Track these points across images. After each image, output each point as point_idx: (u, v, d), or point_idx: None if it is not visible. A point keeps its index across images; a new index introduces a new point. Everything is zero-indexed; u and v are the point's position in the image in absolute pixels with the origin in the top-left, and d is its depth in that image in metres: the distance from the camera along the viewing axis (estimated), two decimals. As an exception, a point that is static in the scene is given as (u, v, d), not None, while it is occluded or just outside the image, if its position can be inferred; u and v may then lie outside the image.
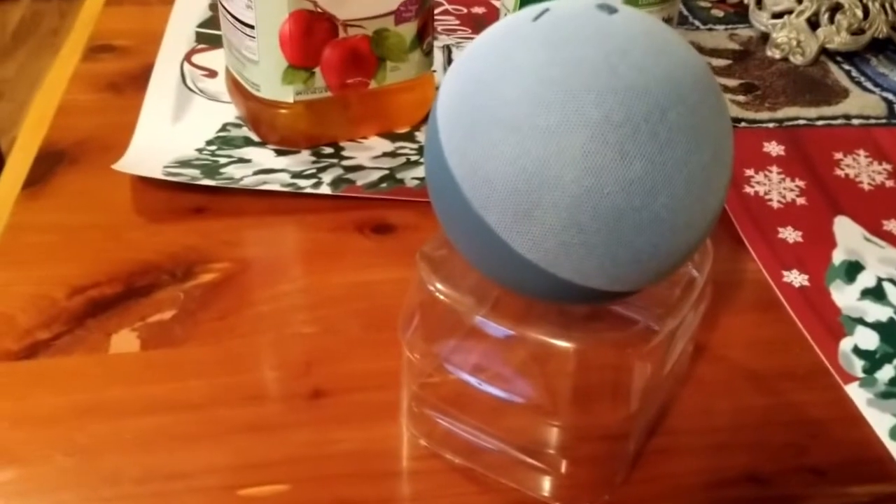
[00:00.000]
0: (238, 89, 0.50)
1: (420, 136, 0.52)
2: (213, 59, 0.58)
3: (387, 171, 0.49)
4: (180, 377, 0.36)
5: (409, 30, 0.49)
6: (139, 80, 0.55)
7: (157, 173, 0.46)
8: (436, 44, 0.59)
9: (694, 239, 0.27)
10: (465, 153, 0.26)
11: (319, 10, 0.46)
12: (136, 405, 0.35)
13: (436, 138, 0.28)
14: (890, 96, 0.58)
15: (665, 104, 0.25)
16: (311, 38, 0.47)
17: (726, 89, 0.58)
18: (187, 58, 0.58)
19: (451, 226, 0.28)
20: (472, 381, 0.31)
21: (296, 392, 0.36)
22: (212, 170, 0.47)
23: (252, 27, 0.46)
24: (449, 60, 0.60)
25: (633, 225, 0.25)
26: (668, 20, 0.47)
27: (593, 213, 0.25)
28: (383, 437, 0.34)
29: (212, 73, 0.57)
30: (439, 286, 0.31)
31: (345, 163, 0.49)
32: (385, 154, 0.50)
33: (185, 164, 0.48)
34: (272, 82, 0.48)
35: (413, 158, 0.50)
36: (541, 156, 0.25)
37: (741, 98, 0.57)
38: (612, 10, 0.27)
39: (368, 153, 0.50)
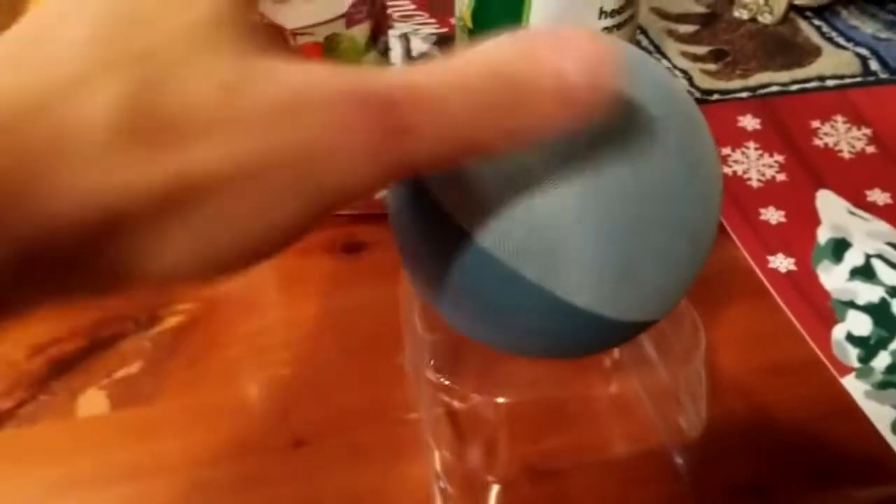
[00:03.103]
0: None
1: (383, 139, 0.50)
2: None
3: (352, 183, 0.47)
4: (154, 438, 0.35)
5: (362, 31, 0.47)
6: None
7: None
8: (392, 33, 0.57)
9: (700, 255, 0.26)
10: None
11: (265, 21, 0.44)
12: (109, 474, 0.33)
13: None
14: (863, 51, 0.56)
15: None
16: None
17: (695, 57, 0.57)
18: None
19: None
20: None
21: (276, 443, 0.34)
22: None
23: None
24: (408, 50, 0.57)
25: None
26: (629, 2, 0.45)
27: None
28: (371, 487, 0.33)
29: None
30: (466, 389, 0.29)
31: (308, 177, 0.47)
32: (349, 163, 0.48)
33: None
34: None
35: (378, 165, 0.48)
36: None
37: (712, 67, 0.56)
38: None
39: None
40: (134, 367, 0.37)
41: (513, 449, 0.32)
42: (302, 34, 0.45)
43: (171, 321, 0.39)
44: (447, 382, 0.29)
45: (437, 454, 0.32)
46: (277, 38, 0.19)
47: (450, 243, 0.24)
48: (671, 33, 0.59)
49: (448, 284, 0.25)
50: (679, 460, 0.32)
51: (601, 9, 0.44)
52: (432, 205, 0.24)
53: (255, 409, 0.36)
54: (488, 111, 0.19)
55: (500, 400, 0.30)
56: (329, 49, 0.46)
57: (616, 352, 0.33)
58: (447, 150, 0.19)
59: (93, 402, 0.36)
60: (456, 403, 0.30)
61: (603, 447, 0.33)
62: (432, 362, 0.30)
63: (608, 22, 0.45)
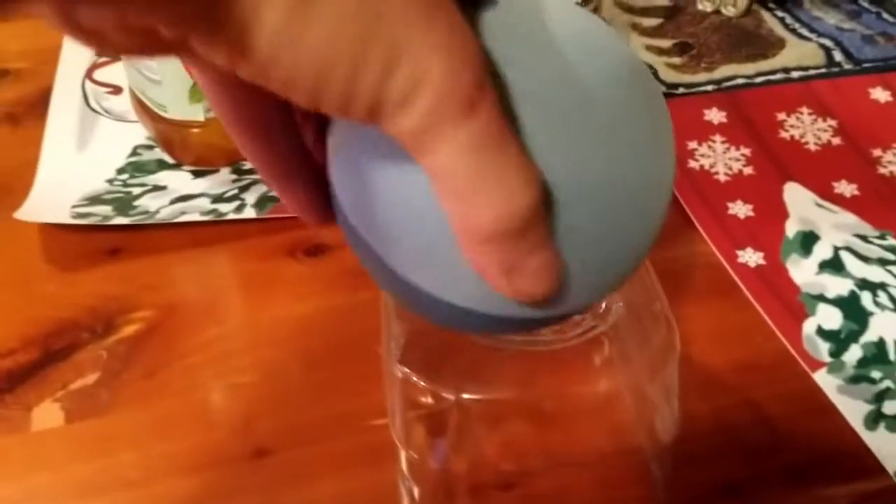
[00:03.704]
0: (144, 110, 0.47)
1: (346, 138, 0.49)
2: (117, 73, 0.54)
3: (314, 183, 0.46)
4: (111, 451, 0.33)
5: (320, 29, 0.46)
6: (38, 106, 0.51)
7: (64, 217, 0.43)
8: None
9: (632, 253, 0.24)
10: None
11: (220, 20, 0.43)
12: (65, 490, 0.32)
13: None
14: (827, 42, 0.56)
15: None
16: (215, 51, 0.43)
17: (660, 51, 0.56)
18: (88, 74, 0.54)
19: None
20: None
21: (238, 454, 0.33)
22: (125, 203, 0.44)
23: (149, 45, 0.43)
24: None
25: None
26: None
27: None
28: (335, 496, 0.32)
29: (116, 90, 0.53)
30: (434, 383, 0.28)
31: (268, 178, 0.46)
32: (310, 163, 0.47)
33: (95, 199, 0.44)
34: (179, 102, 0.44)
35: (341, 165, 0.47)
36: None
37: (677, 60, 0.55)
38: None
39: (293, 164, 0.47)
40: (90, 379, 0.36)
41: (484, 450, 0.31)
42: (259, 32, 0.44)
43: (128, 329, 0.38)
44: (415, 378, 0.28)
45: (403, 455, 0.31)
46: None
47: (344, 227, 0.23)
48: (635, 27, 0.58)
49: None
50: (653, 462, 0.32)
51: (564, 2, 0.44)
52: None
53: (216, 418, 0.35)
54: None
55: (473, 397, 0.28)
56: (288, 47, 0.45)
57: (606, 348, 0.32)
58: None
59: (47, 414, 0.35)
60: (424, 400, 0.29)
61: (578, 448, 0.32)
62: (399, 355, 0.29)
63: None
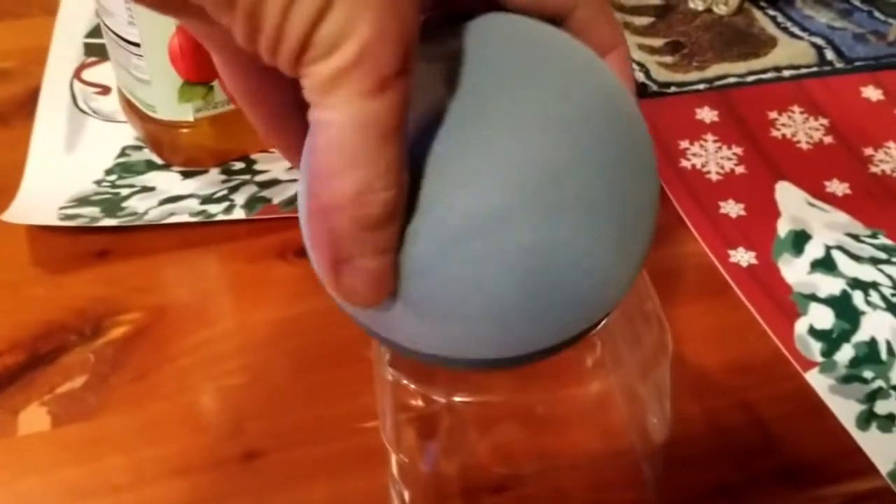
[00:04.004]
0: (133, 110, 0.46)
1: (336, 138, 0.49)
2: (105, 73, 0.53)
3: (304, 184, 0.45)
4: (99, 455, 0.33)
5: (310, 28, 0.46)
6: (26, 106, 0.51)
7: (52, 219, 0.42)
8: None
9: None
10: None
11: (209, 19, 0.42)
12: (52, 495, 0.32)
13: None
14: (818, 41, 0.56)
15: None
16: (204, 50, 0.43)
17: (652, 50, 0.56)
18: (76, 74, 0.54)
19: None
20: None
21: (228, 457, 0.33)
22: (113, 204, 0.44)
23: (138, 45, 0.42)
24: None
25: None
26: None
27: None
28: (327, 499, 0.32)
29: (105, 90, 0.52)
30: (424, 386, 0.28)
31: (258, 178, 0.46)
32: (301, 163, 0.47)
33: (83, 201, 0.44)
34: (168, 102, 0.44)
35: (331, 165, 0.47)
36: None
37: (668, 59, 0.55)
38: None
39: (283, 163, 0.47)
40: (77, 382, 0.36)
41: (475, 453, 0.31)
42: (248, 31, 0.44)
43: (116, 332, 0.38)
44: (406, 381, 0.28)
45: (394, 458, 0.30)
46: None
47: None
48: (627, 25, 0.58)
49: None
50: (645, 463, 0.31)
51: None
52: None
53: (206, 421, 0.34)
54: None
55: (463, 400, 0.28)
56: (277, 46, 0.45)
57: (598, 350, 0.32)
58: None
59: (34, 418, 0.34)
60: (415, 403, 0.29)
61: (570, 450, 0.31)
62: (387, 358, 0.28)
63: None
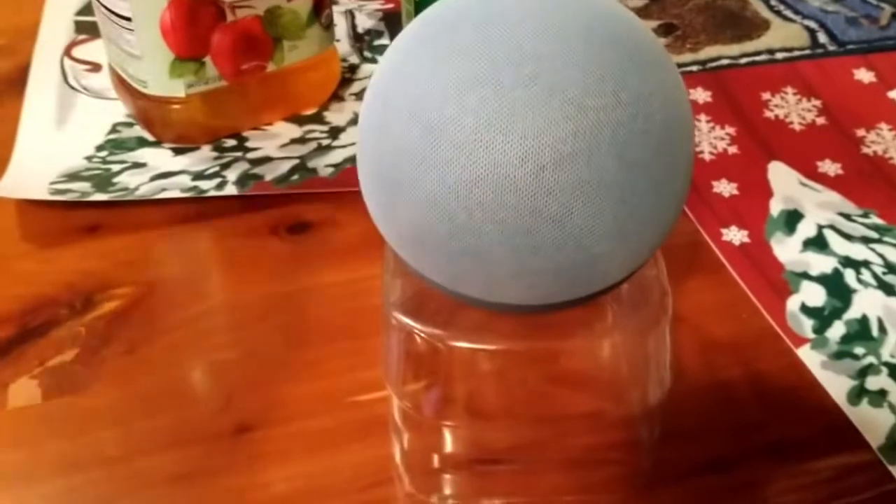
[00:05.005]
0: (124, 86, 0.46)
1: (329, 116, 0.49)
2: (96, 50, 0.53)
3: (297, 161, 0.45)
4: (90, 428, 0.33)
5: (303, 4, 0.45)
6: (16, 83, 0.50)
7: (42, 193, 0.42)
8: (336, 9, 0.55)
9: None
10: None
11: (202, -6, 0.42)
12: (43, 467, 0.32)
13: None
14: (811, 24, 0.56)
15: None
16: (196, 25, 0.43)
17: (645, 32, 0.56)
18: (67, 52, 0.53)
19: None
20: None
21: (219, 430, 0.33)
22: (104, 180, 0.43)
23: (129, 20, 0.42)
24: (353, 27, 0.56)
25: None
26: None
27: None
28: (322, 473, 0.32)
29: (95, 67, 0.52)
30: (430, 330, 0.27)
31: (250, 155, 0.46)
32: (293, 141, 0.47)
33: (73, 176, 0.44)
34: (159, 77, 0.44)
35: (324, 143, 0.47)
36: None
37: (662, 41, 0.55)
38: None
39: (275, 141, 0.47)
40: (68, 356, 0.36)
41: (478, 401, 0.31)
42: (241, 6, 0.44)
43: (108, 306, 0.38)
44: (412, 323, 0.28)
45: (396, 404, 0.30)
46: None
47: None
48: (620, 7, 0.58)
49: None
50: (642, 427, 0.31)
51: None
52: None
53: (197, 395, 0.34)
54: None
55: (469, 346, 0.28)
56: (269, 23, 0.45)
57: (606, 308, 0.32)
58: None
59: (24, 391, 0.34)
60: (420, 349, 0.28)
61: (572, 405, 0.31)
62: (392, 301, 0.28)
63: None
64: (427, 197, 0.23)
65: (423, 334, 0.27)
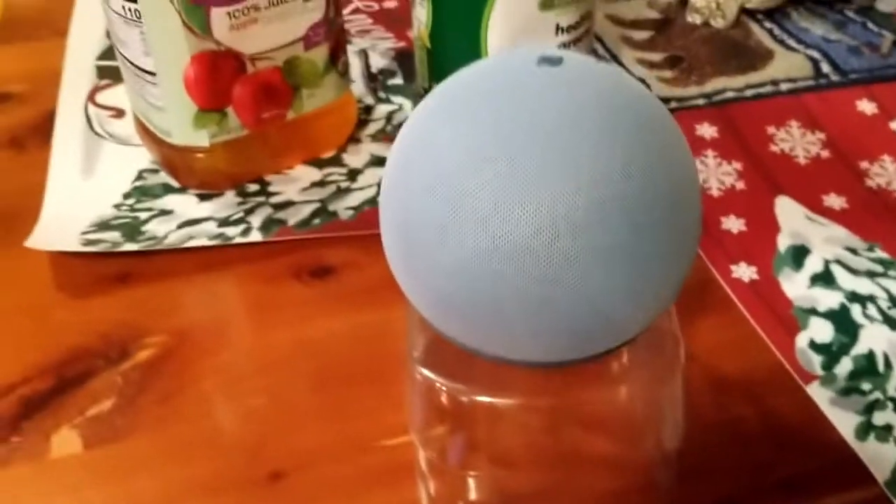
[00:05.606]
0: (148, 134, 0.48)
1: (347, 158, 0.50)
2: (119, 96, 0.54)
3: (318, 204, 0.47)
4: (129, 477, 0.34)
5: (320, 53, 0.47)
6: (42, 130, 0.52)
7: (74, 244, 0.43)
8: (350, 48, 0.57)
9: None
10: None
11: (223, 48, 0.44)
12: (86, 516, 0.33)
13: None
14: (814, 53, 0.57)
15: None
16: (218, 78, 0.44)
17: (651, 65, 0.57)
18: (91, 98, 0.55)
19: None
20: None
21: (253, 477, 0.34)
22: (133, 228, 0.45)
23: (153, 74, 0.44)
24: (367, 66, 0.57)
25: None
26: (585, 17, 0.46)
27: None
28: (350, 516, 0.33)
29: (119, 113, 0.54)
30: (452, 385, 0.29)
31: (273, 199, 0.47)
32: (313, 184, 0.48)
33: (103, 225, 0.45)
34: (183, 128, 0.45)
35: (343, 185, 0.48)
36: None
37: (668, 74, 0.56)
38: (554, 62, 0.25)
39: (296, 185, 0.48)
40: (106, 405, 0.37)
41: (501, 451, 0.32)
42: (261, 59, 0.45)
43: (142, 355, 0.39)
44: (435, 378, 0.29)
45: (422, 454, 0.31)
46: None
47: None
48: (626, 40, 0.60)
49: None
50: (660, 472, 0.33)
51: (557, 25, 0.45)
52: None
53: (230, 442, 0.36)
54: None
55: (490, 399, 0.29)
56: (288, 73, 0.46)
57: (624, 357, 0.33)
58: None
59: (66, 441, 0.36)
60: (444, 401, 0.30)
61: (591, 454, 0.32)
62: (421, 359, 0.29)
63: (565, 38, 0.45)
64: (447, 265, 0.24)
65: (445, 387, 0.29)
